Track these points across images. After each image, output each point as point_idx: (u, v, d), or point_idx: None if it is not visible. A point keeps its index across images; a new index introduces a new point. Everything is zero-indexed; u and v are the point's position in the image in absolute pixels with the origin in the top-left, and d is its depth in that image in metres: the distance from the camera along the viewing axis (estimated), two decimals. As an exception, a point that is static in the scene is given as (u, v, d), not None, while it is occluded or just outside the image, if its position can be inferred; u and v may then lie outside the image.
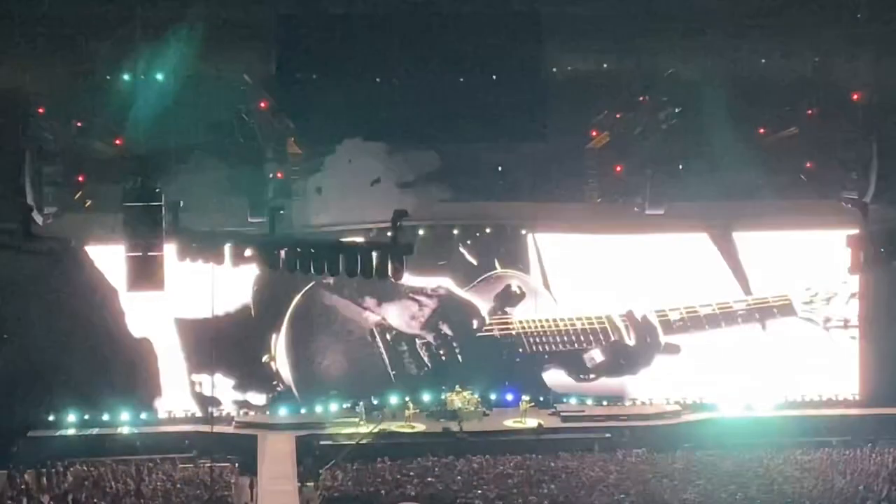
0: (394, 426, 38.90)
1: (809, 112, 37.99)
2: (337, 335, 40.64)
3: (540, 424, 39.20)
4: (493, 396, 41.11)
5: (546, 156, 39.26)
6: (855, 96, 37.56)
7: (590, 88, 38.58)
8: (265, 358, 40.17)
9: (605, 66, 39.12)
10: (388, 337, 40.99)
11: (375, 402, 40.34)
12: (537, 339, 41.48)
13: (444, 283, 40.98)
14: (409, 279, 39.40)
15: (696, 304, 41.21)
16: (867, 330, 41.01)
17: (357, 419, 39.09)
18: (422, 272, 40.16)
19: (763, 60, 38.87)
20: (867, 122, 37.77)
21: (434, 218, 40.04)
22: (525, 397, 40.43)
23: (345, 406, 39.84)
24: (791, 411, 40.59)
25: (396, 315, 41.03)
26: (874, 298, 40.34)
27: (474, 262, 41.52)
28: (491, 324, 41.41)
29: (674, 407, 40.76)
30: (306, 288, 40.13)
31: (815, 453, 36.61)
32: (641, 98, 37.96)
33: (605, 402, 41.03)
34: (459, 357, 41.19)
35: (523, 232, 41.27)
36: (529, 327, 41.44)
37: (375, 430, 38.36)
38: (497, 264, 41.56)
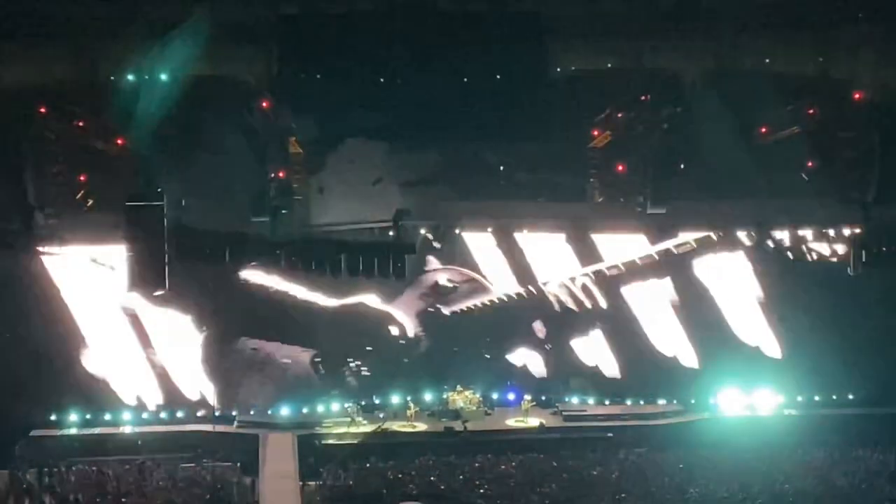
0: (395, 426, 38.91)
1: (811, 111, 37.97)
2: (270, 375, 39.94)
3: (542, 424, 39.24)
4: (494, 396, 41.12)
5: (548, 155, 39.22)
6: (856, 95, 37.56)
7: (591, 88, 38.63)
8: (201, 412, 39.42)
9: (606, 65, 39.16)
10: (322, 364, 40.43)
11: (377, 401, 40.34)
12: (477, 326, 40.95)
13: (368, 299, 40.24)
14: (329, 301, 39.52)
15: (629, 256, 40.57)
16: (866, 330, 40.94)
17: (349, 419, 38.94)
18: (345, 293, 39.45)
19: (765, 60, 38.90)
20: (869, 121, 37.78)
21: (436, 217, 40.01)
22: (527, 396, 40.46)
23: (346, 406, 39.75)
24: (791, 411, 40.58)
25: (326, 341, 40.32)
26: (872, 298, 40.21)
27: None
28: (423, 324, 40.90)
29: (674, 407, 40.76)
30: (236, 338, 39.56)
31: (816, 453, 36.61)
32: (643, 97, 37.97)
33: (606, 402, 41.04)
34: (403, 361, 40.84)
35: (524, 231, 41.04)
36: (469, 312, 40.91)
37: (378, 430, 38.37)
38: (431, 262, 40.81)
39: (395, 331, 41.09)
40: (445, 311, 41.13)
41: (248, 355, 39.85)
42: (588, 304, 40.90)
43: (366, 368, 40.82)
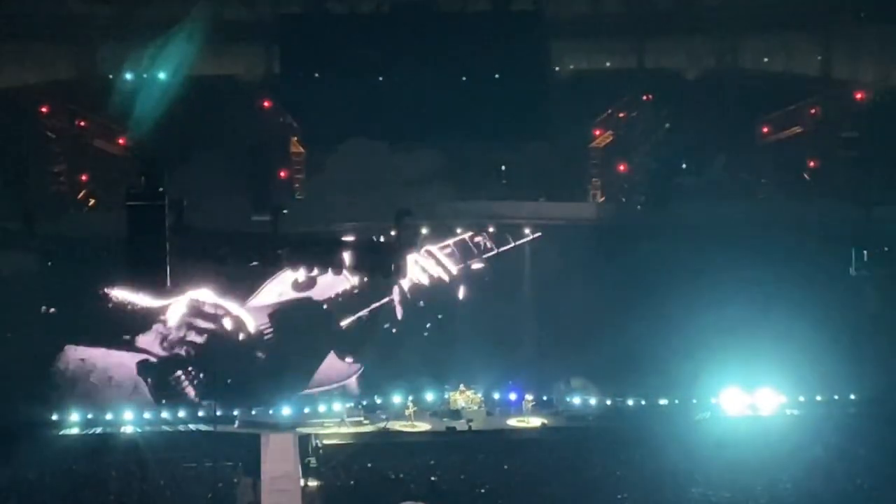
0: (397, 425, 38.89)
1: (812, 111, 37.99)
2: (98, 388, 38.46)
3: (543, 424, 39.22)
4: (496, 396, 41.08)
5: (549, 155, 39.25)
6: (858, 95, 37.58)
7: (592, 88, 38.68)
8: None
9: (608, 65, 39.21)
10: (153, 370, 38.62)
11: (379, 401, 40.31)
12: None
13: (202, 294, 38.30)
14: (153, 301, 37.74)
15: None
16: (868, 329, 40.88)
17: (339, 419, 38.84)
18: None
19: (766, 59, 38.92)
20: (869, 121, 37.81)
21: (437, 217, 40.03)
22: (528, 396, 40.42)
23: (347, 405, 39.68)
24: (792, 410, 40.53)
25: (155, 344, 38.61)
26: (872, 299, 40.17)
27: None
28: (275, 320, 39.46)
29: (674, 406, 40.69)
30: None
31: (817, 452, 36.55)
32: (644, 97, 38.01)
33: (608, 402, 40.98)
34: (261, 356, 39.47)
35: (527, 231, 40.97)
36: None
37: (380, 430, 38.39)
38: None
39: (236, 328, 39.15)
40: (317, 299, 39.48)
41: (74, 366, 38.20)
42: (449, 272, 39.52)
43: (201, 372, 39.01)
